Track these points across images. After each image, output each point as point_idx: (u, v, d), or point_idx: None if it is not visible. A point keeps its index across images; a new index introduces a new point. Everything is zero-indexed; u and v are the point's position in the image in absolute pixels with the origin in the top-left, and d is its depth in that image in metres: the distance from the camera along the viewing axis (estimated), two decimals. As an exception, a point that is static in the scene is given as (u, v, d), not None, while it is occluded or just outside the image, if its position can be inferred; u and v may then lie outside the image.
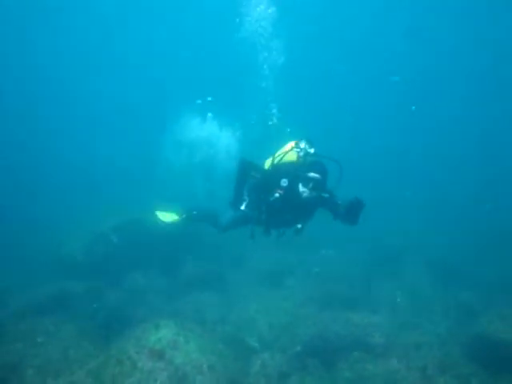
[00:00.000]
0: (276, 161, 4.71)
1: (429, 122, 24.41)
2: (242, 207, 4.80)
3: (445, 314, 7.24)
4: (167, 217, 5.83)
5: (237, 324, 6.88)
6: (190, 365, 4.76)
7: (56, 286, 7.94)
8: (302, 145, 4.62)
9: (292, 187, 4.34)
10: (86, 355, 5.40)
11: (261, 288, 8.21)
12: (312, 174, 4.26)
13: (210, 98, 13.74)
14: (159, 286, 8.26)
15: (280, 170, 4.54)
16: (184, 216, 5.79)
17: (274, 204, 4.43)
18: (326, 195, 4.38)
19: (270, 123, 6.98)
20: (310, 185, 4.28)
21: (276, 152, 4.87)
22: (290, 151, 4.65)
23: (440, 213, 12.01)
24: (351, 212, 4.34)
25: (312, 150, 4.59)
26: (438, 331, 6.67)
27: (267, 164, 4.88)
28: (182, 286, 8.34)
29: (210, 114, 8.54)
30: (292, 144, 4.73)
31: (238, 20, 9.08)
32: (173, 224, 5.84)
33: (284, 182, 4.36)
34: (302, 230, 4.69)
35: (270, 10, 8.99)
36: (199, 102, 13.36)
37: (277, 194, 4.37)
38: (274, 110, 7.02)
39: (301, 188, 4.31)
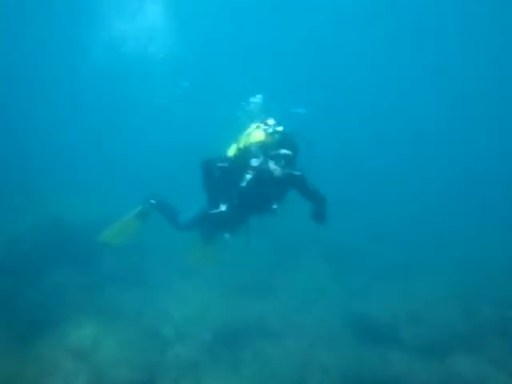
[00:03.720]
0: (242, 144, 4.53)
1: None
2: (223, 208, 4.36)
3: (336, 295, 8.45)
4: (114, 233, 5.46)
5: (153, 316, 7.47)
6: (109, 360, 5.35)
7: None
8: (271, 122, 4.50)
9: (263, 166, 4.20)
10: (7, 357, 5.68)
11: (178, 278, 8.81)
12: (284, 151, 4.13)
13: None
14: (79, 283, 8.48)
15: (248, 150, 4.37)
16: (140, 208, 5.44)
17: (246, 187, 4.22)
18: (298, 173, 4.32)
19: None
20: (282, 162, 4.16)
21: (239, 137, 4.71)
22: (255, 130, 4.51)
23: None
24: (318, 212, 4.50)
25: (280, 128, 4.44)
26: (329, 310, 7.83)
27: (232, 151, 4.69)
28: (100, 281, 8.69)
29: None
30: (257, 125, 4.59)
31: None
32: (125, 237, 5.49)
33: (255, 162, 4.20)
34: (277, 211, 4.48)
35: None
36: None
37: (248, 176, 4.18)
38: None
39: (272, 166, 4.19)
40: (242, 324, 7.05)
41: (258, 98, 5.67)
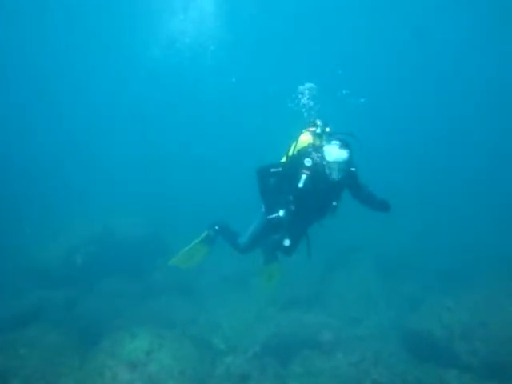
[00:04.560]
0: (292, 149, 4.55)
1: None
2: (281, 213, 4.37)
3: (388, 307, 8.24)
4: (185, 257, 5.57)
5: (204, 327, 7.64)
6: (162, 371, 5.51)
7: (33, 296, 8.45)
8: (318, 123, 4.55)
9: (317, 165, 4.22)
10: (69, 366, 5.98)
11: (226, 290, 8.95)
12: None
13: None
14: (132, 292, 8.87)
15: (300, 153, 4.38)
16: (205, 234, 5.48)
17: (303, 188, 4.21)
18: (353, 169, 4.33)
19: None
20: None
21: (290, 143, 4.72)
22: (303, 135, 4.55)
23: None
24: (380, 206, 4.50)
25: (328, 129, 4.49)
26: (381, 324, 7.66)
27: (284, 158, 4.71)
28: (153, 290, 9.01)
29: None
30: (306, 130, 4.63)
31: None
32: (195, 261, 5.62)
33: (308, 162, 4.21)
34: (336, 208, 4.47)
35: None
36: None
37: (304, 176, 4.19)
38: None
39: (327, 169, 4.20)
40: (292, 336, 7.04)
41: (307, 87, 5.56)
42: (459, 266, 9.46)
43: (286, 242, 4.48)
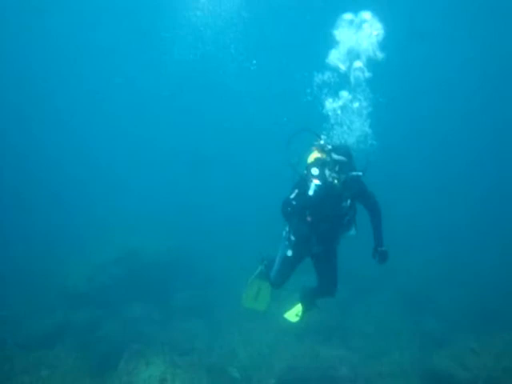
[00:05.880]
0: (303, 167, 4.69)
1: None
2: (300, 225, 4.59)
3: (410, 343, 7.94)
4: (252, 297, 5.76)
5: (221, 354, 7.63)
6: (174, 404, 5.55)
7: (59, 315, 8.74)
8: (322, 140, 4.70)
9: (323, 174, 4.35)
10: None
11: (245, 317, 8.88)
12: (336, 156, 4.31)
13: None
14: (153, 315, 8.99)
15: (309, 167, 4.51)
16: (259, 269, 5.58)
17: (314, 195, 4.30)
18: (357, 173, 4.39)
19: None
20: (337, 168, 4.31)
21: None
22: (311, 153, 4.71)
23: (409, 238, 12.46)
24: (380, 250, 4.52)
25: (331, 145, 4.58)
26: (402, 361, 7.39)
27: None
28: (173, 314, 9.10)
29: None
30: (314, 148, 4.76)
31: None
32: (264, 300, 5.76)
33: (315, 171, 4.35)
34: (355, 221, 4.65)
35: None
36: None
37: (312, 184, 4.30)
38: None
39: (327, 173, 4.35)
40: (309, 370, 6.91)
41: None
42: (489, 302, 8.99)
43: (315, 248, 4.67)
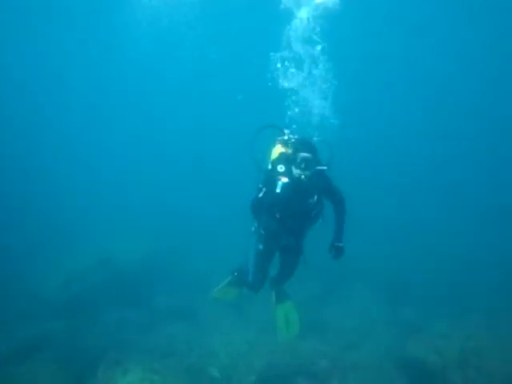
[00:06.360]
0: (268, 165, 4.79)
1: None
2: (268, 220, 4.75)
3: (386, 332, 8.10)
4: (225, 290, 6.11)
5: (201, 355, 7.62)
6: (152, 410, 5.54)
7: (35, 326, 8.55)
8: (286, 132, 4.84)
9: (289, 170, 4.44)
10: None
11: (227, 318, 8.91)
12: (301, 154, 4.41)
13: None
14: (133, 320, 8.91)
15: (274, 163, 4.62)
16: (228, 279, 6.01)
17: (281, 193, 4.41)
18: (323, 168, 4.53)
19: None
20: (302, 165, 4.41)
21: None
22: (275, 147, 4.79)
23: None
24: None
25: (295, 137, 4.76)
26: (377, 350, 7.54)
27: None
28: (154, 317, 9.05)
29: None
30: (277, 142, 4.84)
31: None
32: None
33: (281, 168, 4.46)
34: (322, 213, 4.78)
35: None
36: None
37: (280, 182, 4.40)
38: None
39: (294, 170, 4.43)
40: (287, 364, 7.00)
41: None
42: (460, 287, 9.27)
43: (290, 239, 4.78)
